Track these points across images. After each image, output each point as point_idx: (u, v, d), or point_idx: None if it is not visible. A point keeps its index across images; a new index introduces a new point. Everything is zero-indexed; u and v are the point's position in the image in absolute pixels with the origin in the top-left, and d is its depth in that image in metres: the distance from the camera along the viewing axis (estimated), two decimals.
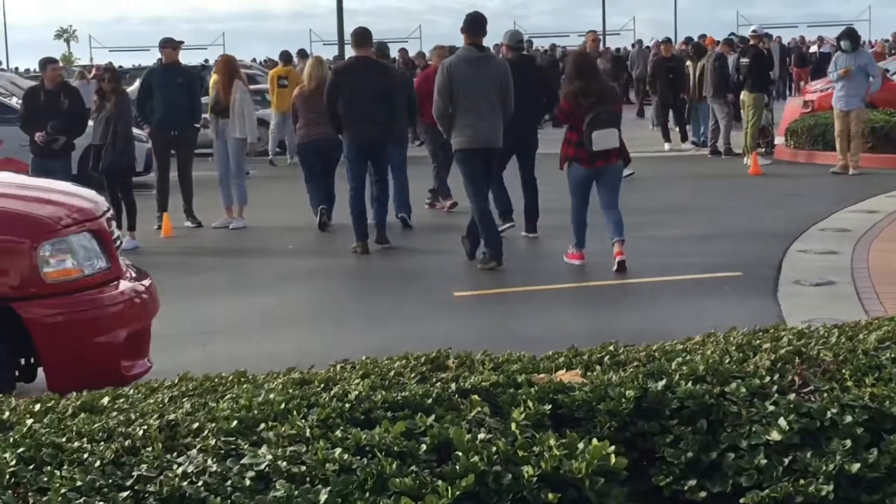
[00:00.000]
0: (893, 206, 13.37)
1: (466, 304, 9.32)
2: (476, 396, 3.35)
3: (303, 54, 22.29)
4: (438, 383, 3.50)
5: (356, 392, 3.38)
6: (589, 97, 10.50)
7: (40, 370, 6.45)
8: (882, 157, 17.89)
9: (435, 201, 14.97)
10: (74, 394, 3.67)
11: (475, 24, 11.25)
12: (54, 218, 6.54)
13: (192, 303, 9.56)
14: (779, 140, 21.00)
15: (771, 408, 3.27)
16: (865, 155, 17.66)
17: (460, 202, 13.38)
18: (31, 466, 2.91)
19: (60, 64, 17.50)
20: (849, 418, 3.20)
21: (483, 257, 10.76)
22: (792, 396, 3.33)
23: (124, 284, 6.77)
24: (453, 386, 3.45)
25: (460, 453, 2.96)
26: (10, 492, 2.80)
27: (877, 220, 12.35)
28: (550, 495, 2.87)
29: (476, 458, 2.92)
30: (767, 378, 3.46)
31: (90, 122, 13.73)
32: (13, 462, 2.91)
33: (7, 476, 2.85)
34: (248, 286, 10.53)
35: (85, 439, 3.08)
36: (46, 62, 14.76)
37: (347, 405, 3.27)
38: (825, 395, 3.33)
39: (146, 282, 7.04)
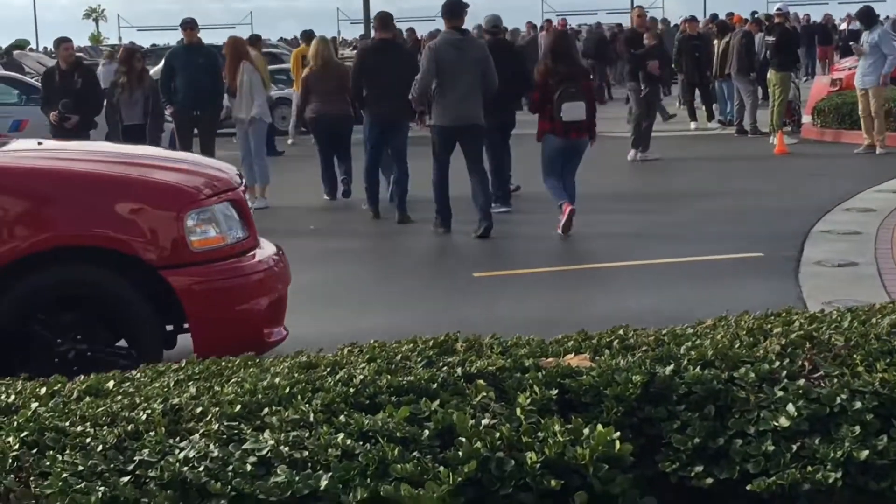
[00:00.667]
0: None
1: (486, 285, 9.28)
2: (482, 381, 3.33)
3: (309, 35, 22.39)
4: (445, 367, 3.48)
5: (361, 376, 3.37)
6: (559, 74, 11.54)
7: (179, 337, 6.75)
8: None
9: None
10: (81, 377, 3.68)
11: (453, 10, 12.06)
12: (198, 188, 6.76)
13: None
14: (806, 119, 20.84)
15: (780, 393, 3.24)
16: (891, 134, 17.49)
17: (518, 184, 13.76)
18: (34, 450, 2.92)
19: (74, 43, 17.56)
20: (858, 404, 3.16)
21: (434, 221, 11.72)
22: (801, 382, 3.30)
23: (261, 253, 7.02)
24: (459, 370, 3.43)
25: (463, 439, 2.95)
26: (12, 476, 2.80)
27: None
28: (553, 482, 2.85)
29: (479, 444, 2.91)
30: (777, 363, 3.42)
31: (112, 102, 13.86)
32: (16, 446, 2.92)
33: (10, 460, 2.85)
34: None
35: (88, 423, 3.08)
36: (60, 42, 14.87)
37: (352, 390, 3.26)
38: (835, 380, 3.29)
39: (279, 251, 7.28)
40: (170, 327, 6.74)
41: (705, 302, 7.98)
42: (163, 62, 17.13)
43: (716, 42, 22.78)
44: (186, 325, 6.71)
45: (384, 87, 12.56)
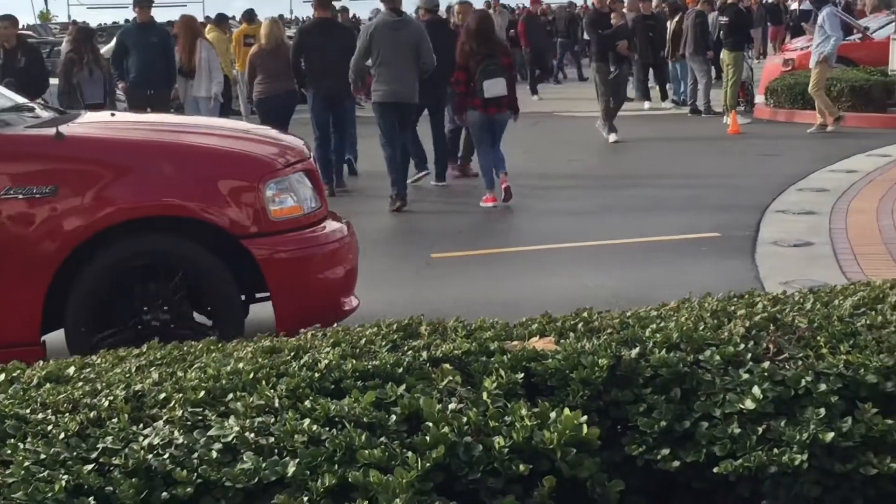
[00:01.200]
0: (872, 165, 13.38)
1: (444, 266, 9.26)
2: (447, 365, 3.31)
3: (250, 15, 22.46)
4: (410, 352, 3.46)
5: (326, 361, 3.34)
6: (480, 54, 12.11)
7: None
8: (861, 115, 17.86)
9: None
10: (41, 363, 3.62)
11: None
12: (275, 158, 6.92)
13: None
14: (759, 99, 20.96)
15: (745, 376, 3.24)
16: (851, 114, 17.65)
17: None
18: None
19: (23, 21, 17.41)
20: (823, 386, 3.17)
21: (390, 199, 12.09)
22: (766, 364, 3.30)
23: (333, 224, 7.12)
24: (425, 354, 3.41)
25: (430, 424, 2.93)
26: None
27: (855, 179, 12.34)
28: (522, 466, 2.84)
29: (447, 429, 2.89)
30: (742, 345, 3.42)
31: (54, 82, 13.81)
32: None
33: None
34: None
35: (49, 410, 3.03)
36: (0, 20, 14.66)
37: (317, 374, 3.23)
38: (799, 362, 3.30)
39: (347, 222, 7.41)
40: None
41: (664, 282, 8.01)
42: (115, 41, 16.97)
43: (668, 22, 22.85)
44: (258, 296, 6.88)
45: (325, 65, 13.10)
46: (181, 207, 6.55)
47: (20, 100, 7.53)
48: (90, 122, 7.48)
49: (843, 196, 11.27)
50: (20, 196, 6.19)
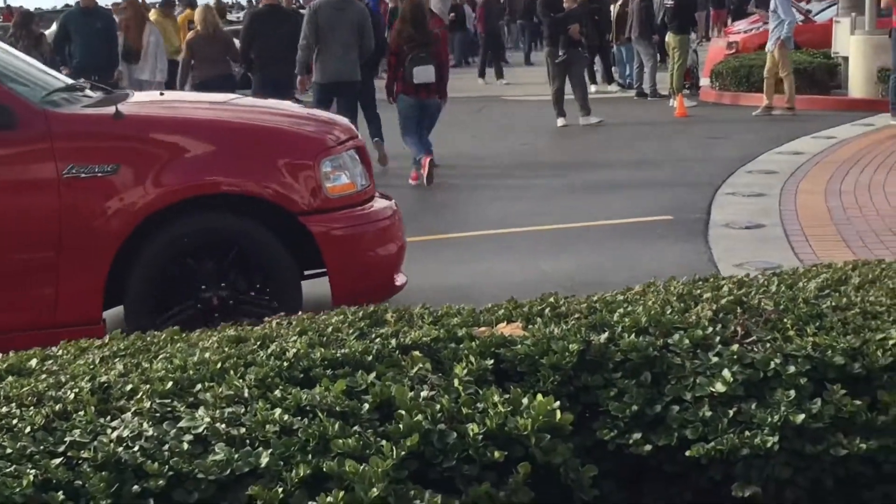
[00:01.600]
0: (818, 147, 13.51)
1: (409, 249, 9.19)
2: (417, 352, 3.28)
3: (191, 1, 22.50)
4: (378, 339, 3.43)
5: (294, 350, 3.29)
6: (413, 41, 12.56)
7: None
8: (807, 97, 18.02)
9: None
10: (0, 355, 3.55)
11: None
12: (329, 136, 7.02)
13: None
14: (704, 82, 21.07)
15: (714, 359, 3.24)
16: (800, 97, 17.80)
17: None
18: None
19: None
20: (792, 369, 3.18)
21: None
22: (735, 347, 3.30)
23: (382, 201, 7.24)
24: (393, 342, 3.38)
25: (403, 412, 2.90)
26: None
27: (802, 161, 12.46)
28: (496, 453, 2.82)
29: (419, 417, 2.87)
30: (710, 329, 3.43)
31: None
32: None
33: None
34: None
35: (14, 404, 2.97)
36: None
37: (286, 364, 3.20)
38: (768, 345, 3.31)
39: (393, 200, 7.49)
40: None
41: (619, 266, 8.05)
42: (57, 25, 16.80)
43: (613, 6, 22.96)
44: (306, 273, 6.91)
45: (273, 51, 13.23)
46: (240, 185, 6.60)
47: (70, 80, 7.60)
48: (145, 102, 7.56)
49: (791, 178, 11.37)
50: (83, 175, 6.18)
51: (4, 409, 2.93)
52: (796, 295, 3.77)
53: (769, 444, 2.97)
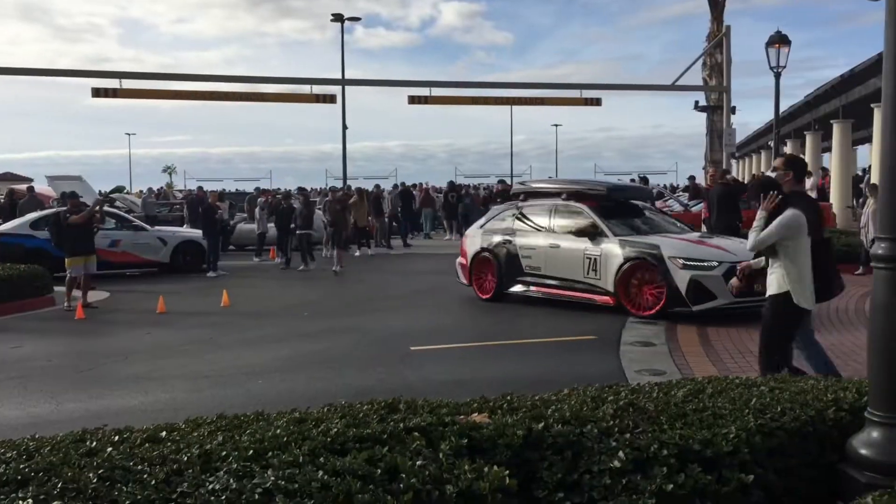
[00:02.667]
0: None
1: (420, 356, 9.03)
2: (416, 433, 3.18)
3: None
4: (392, 422, 3.33)
5: (335, 429, 3.20)
6: None
7: None
8: None
9: None
10: (144, 426, 3.44)
11: None
12: None
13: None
14: None
15: (613, 443, 3.14)
16: None
17: None
18: (107, 483, 2.69)
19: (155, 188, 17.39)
20: (665, 452, 3.07)
21: None
22: (628, 435, 3.20)
23: None
24: (402, 425, 3.28)
25: (404, 475, 2.79)
26: (90, 502, 2.58)
27: None
28: None
29: (414, 480, 2.76)
30: (612, 422, 3.32)
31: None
32: (94, 480, 2.70)
33: (89, 490, 2.63)
34: None
35: (146, 463, 2.86)
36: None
37: (329, 439, 3.09)
38: (650, 434, 3.20)
39: None
40: None
41: (560, 370, 7.87)
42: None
43: None
44: None
45: None
46: None
47: None
48: None
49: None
50: None
51: (139, 467, 2.82)
52: (669, 400, 3.66)
53: None
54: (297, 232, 18.86)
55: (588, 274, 11.45)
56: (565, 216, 12.15)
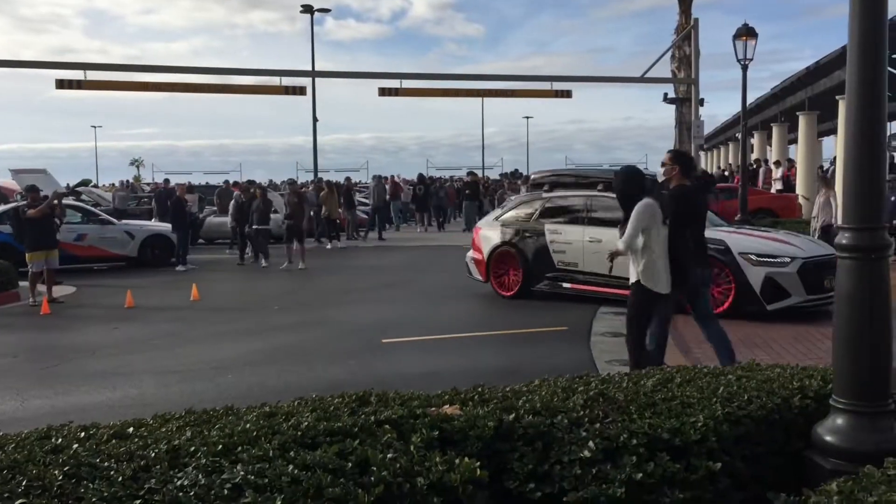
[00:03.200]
0: None
1: (391, 348, 9.03)
2: (387, 426, 3.17)
3: None
4: (363, 416, 3.31)
5: (306, 423, 3.17)
6: None
7: None
8: None
9: None
10: (111, 422, 3.39)
11: None
12: None
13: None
14: None
15: (583, 433, 3.15)
16: None
17: None
18: (73, 480, 2.65)
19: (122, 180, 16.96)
20: (634, 441, 3.09)
21: None
22: (598, 425, 3.21)
23: None
24: (372, 418, 3.26)
25: (374, 468, 2.77)
26: (56, 500, 2.54)
27: None
28: (436, 499, 2.70)
29: (385, 473, 2.74)
30: (581, 412, 3.33)
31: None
32: (60, 477, 2.65)
33: (55, 488, 2.58)
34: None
35: (112, 460, 2.82)
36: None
37: (300, 433, 3.07)
38: (619, 424, 3.22)
39: None
40: None
41: (532, 360, 7.90)
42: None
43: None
44: None
45: None
46: None
47: None
48: None
49: None
50: None
51: (105, 464, 2.77)
52: (639, 389, 3.68)
53: (618, 494, 2.87)
54: (254, 227, 18.38)
55: None
56: (607, 208, 10.88)
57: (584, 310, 10.76)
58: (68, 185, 31.24)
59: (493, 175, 50.30)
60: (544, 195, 12.05)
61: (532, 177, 13.45)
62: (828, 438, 3.45)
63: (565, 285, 11.47)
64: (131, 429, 3.21)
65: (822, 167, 25.54)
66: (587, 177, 12.09)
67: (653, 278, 6.12)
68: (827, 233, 12.97)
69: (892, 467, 2.73)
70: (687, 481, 2.97)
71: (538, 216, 11.91)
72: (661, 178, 7.40)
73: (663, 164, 6.56)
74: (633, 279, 6.24)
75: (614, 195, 10.52)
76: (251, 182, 24.83)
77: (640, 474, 2.90)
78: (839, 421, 3.47)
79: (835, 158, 26.69)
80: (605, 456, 3.03)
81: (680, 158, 6.71)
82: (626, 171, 6.61)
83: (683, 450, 3.10)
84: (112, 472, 2.69)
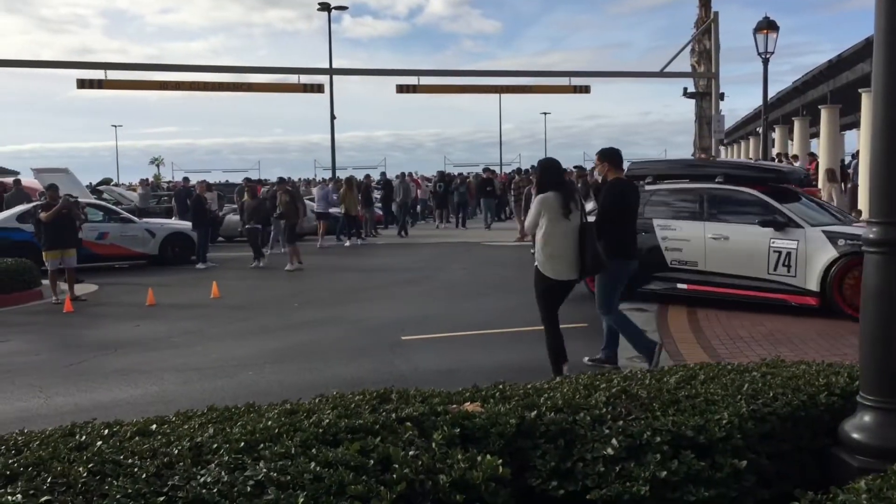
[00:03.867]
0: None
1: (411, 345, 9.04)
2: (409, 423, 3.17)
3: None
4: (384, 413, 3.31)
5: (327, 420, 3.18)
6: None
7: None
8: None
9: None
10: (134, 420, 3.41)
11: None
12: None
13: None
14: None
15: (606, 431, 3.13)
16: None
17: None
18: (98, 477, 2.67)
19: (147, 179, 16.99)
20: (658, 438, 3.06)
21: None
22: (620, 423, 3.19)
23: None
24: (394, 415, 3.27)
25: (396, 465, 2.77)
26: (80, 497, 2.55)
27: None
28: (458, 496, 2.69)
29: (407, 470, 2.74)
30: (604, 409, 3.32)
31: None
32: (84, 474, 2.67)
33: (79, 485, 2.60)
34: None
35: (136, 457, 2.84)
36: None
37: (321, 430, 3.08)
38: (642, 421, 3.20)
39: None
40: None
41: None
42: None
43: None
44: None
45: None
46: None
47: None
48: None
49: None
50: None
51: (129, 461, 2.79)
52: (662, 387, 3.66)
53: (642, 492, 2.84)
54: (245, 226, 18.16)
55: (776, 270, 9.58)
56: (730, 203, 10.14)
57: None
58: (90, 183, 31.55)
59: (507, 171, 50.20)
60: (647, 188, 10.94)
61: (630, 168, 11.68)
62: (855, 436, 3.41)
63: (681, 286, 10.50)
64: (154, 426, 3.23)
65: (852, 159, 25.26)
66: (702, 167, 11.22)
67: (549, 267, 6.58)
68: None
69: None
70: (712, 479, 2.94)
71: (640, 211, 10.61)
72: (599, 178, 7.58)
73: (595, 163, 6.95)
74: (536, 264, 6.73)
75: (745, 189, 9.83)
76: (249, 180, 24.50)
77: (665, 472, 2.88)
78: (866, 418, 3.42)
79: (857, 152, 26.39)
80: (628, 453, 3.01)
81: (606, 155, 7.22)
82: (544, 162, 6.91)
83: (708, 447, 3.07)
84: (136, 469, 2.70)
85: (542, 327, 6.93)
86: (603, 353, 7.53)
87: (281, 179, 21.88)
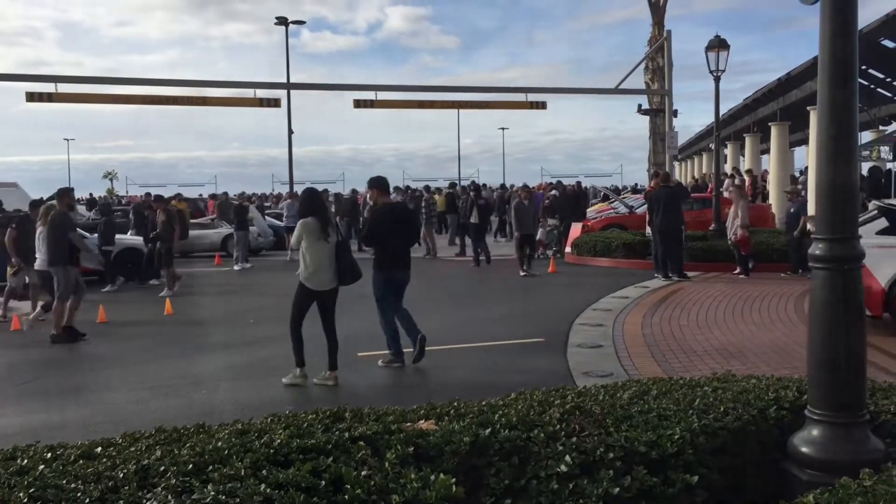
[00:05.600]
0: (638, 293, 13.54)
1: (367, 362, 8.94)
2: (362, 442, 3.12)
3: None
4: (337, 432, 3.27)
5: (279, 440, 3.12)
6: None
7: None
8: (629, 261, 18.14)
9: None
10: (80, 441, 3.32)
11: None
12: None
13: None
14: (568, 249, 21.12)
15: (560, 448, 3.13)
16: (622, 260, 18.07)
17: None
18: (39, 503, 2.58)
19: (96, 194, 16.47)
20: (611, 455, 3.07)
21: None
22: (574, 439, 3.19)
23: None
24: (347, 434, 3.22)
25: (348, 486, 2.73)
26: None
27: (627, 303, 12.44)
28: None
29: (359, 490, 2.70)
30: (558, 426, 3.31)
31: None
32: (25, 500, 2.58)
33: None
34: None
35: (80, 481, 2.76)
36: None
37: (272, 450, 3.02)
38: (595, 438, 3.20)
39: None
40: None
41: (509, 371, 7.87)
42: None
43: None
44: None
45: None
46: None
47: None
48: None
49: (620, 314, 11.33)
50: None
51: (72, 485, 2.71)
52: (615, 402, 3.67)
53: None
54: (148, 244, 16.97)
55: None
56: None
57: (559, 322, 10.76)
58: (42, 198, 30.81)
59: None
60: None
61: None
62: (803, 449, 3.45)
63: None
64: (99, 448, 3.15)
65: (800, 175, 25.81)
66: None
67: (308, 279, 7.79)
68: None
69: (867, 478, 2.73)
70: (664, 495, 2.95)
71: None
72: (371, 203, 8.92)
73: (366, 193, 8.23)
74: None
75: None
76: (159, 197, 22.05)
77: (617, 488, 2.88)
78: (815, 432, 3.47)
79: (805, 168, 27.01)
80: (581, 470, 3.01)
81: (375, 183, 8.57)
82: (305, 193, 8.30)
83: (661, 463, 3.09)
84: (79, 494, 2.63)
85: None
86: (390, 352, 8.59)
87: (159, 197, 19.13)
